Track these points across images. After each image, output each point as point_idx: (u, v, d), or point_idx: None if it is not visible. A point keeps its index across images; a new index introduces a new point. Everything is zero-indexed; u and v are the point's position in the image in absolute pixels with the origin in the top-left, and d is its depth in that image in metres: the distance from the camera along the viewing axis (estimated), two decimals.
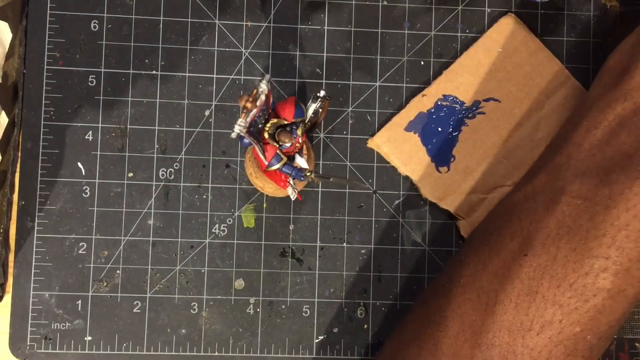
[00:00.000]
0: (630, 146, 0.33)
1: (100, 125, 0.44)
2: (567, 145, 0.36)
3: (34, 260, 0.43)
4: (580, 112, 0.37)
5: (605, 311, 0.32)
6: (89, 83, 0.44)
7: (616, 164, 0.33)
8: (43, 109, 0.43)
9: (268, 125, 0.36)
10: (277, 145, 0.37)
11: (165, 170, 0.44)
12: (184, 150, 0.44)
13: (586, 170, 0.34)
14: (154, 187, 0.43)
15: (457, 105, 0.44)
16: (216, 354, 0.43)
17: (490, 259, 0.35)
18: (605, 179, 0.33)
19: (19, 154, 0.43)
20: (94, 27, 0.44)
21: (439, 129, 0.44)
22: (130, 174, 0.43)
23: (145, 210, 0.43)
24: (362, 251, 0.44)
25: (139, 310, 0.43)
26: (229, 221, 0.44)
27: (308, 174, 0.37)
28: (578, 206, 0.33)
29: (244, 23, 0.44)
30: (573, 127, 0.36)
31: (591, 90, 0.38)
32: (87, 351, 0.43)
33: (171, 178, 0.44)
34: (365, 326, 0.44)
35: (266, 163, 0.37)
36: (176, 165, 0.44)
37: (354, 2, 0.45)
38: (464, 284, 0.35)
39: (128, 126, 0.44)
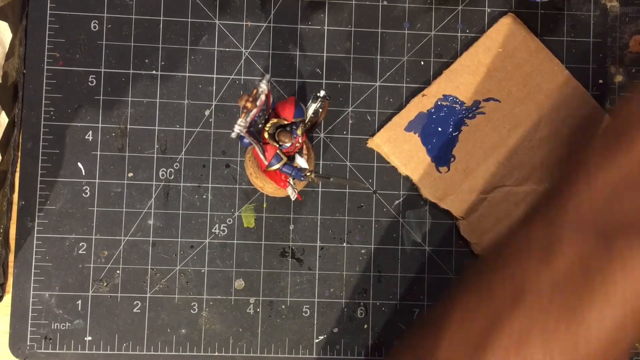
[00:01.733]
0: (629, 208, 0.33)
1: (100, 125, 0.44)
2: (567, 198, 0.35)
3: (34, 260, 0.43)
4: (582, 163, 0.36)
5: None
6: (89, 83, 0.44)
7: (614, 226, 0.33)
8: (43, 109, 0.43)
9: (268, 125, 0.36)
10: (277, 145, 0.37)
11: (165, 170, 0.44)
12: (184, 150, 0.44)
13: (584, 227, 0.34)
14: (154, 187, 0.43)
15: (457, 105, 0.44)
16: (216, 354, 0.43)
17: (481, 305, 0.34)
18: (602, 239, 0.33)
19: (19, 154, 0.43)
20: (94, 27, 0.44)
21: (439, 129, 0.44)
22: (130, 174, 0.43)
23: (145, 210, 0.43)
24: (362, 251, 0.44)
25: (139, 310, 0.43)
26: (229, 221, 0.44)
27: (308, 174, 0.37)
28: (573, 263, 0.33)
29: (244, 23, 0.44)
30: (575, 177, 0.35)
31: (595, 142, 0.36)
32: (87, 351, 0.43)
33: (171, 178, 0.44)
34: (365, 326, 0.44)
35: (266, 163, 0.37)
36: (176, 165, 0.44)
37: (354, 2, 0.45)
38: (454, 329, 0.35)
39: (128, 126, 0.44)
